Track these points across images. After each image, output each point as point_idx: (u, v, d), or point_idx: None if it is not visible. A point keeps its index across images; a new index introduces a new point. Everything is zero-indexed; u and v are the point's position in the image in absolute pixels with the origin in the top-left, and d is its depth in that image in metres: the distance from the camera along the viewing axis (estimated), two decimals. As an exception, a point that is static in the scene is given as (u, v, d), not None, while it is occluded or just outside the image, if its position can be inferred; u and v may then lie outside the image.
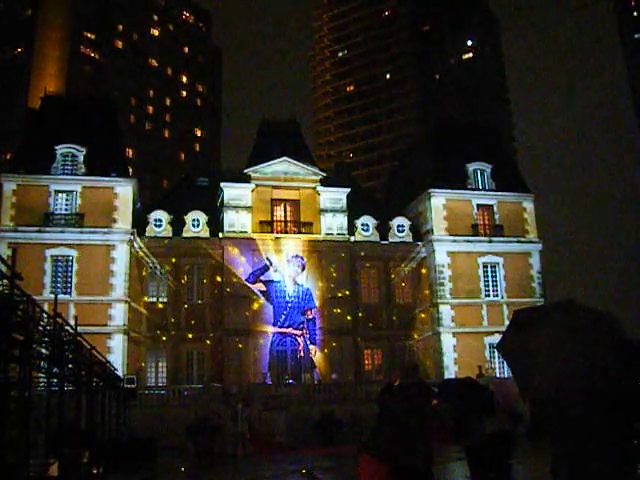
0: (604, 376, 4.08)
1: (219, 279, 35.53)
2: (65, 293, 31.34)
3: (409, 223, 38.85)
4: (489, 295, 37.14)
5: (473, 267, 37.17)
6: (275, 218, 36.73)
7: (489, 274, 37.49)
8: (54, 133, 34.39)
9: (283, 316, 35.23)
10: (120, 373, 25.46)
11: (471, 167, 39.10)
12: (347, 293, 36.24)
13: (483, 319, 36.38)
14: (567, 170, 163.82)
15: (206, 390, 30.72)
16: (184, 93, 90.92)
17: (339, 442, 25.80)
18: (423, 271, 38.05)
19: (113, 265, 33.12)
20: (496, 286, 37.41)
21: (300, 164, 37.21)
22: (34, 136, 35.27)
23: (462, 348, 35.59)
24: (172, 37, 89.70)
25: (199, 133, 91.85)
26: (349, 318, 36.10)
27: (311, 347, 35.36)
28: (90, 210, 33.48)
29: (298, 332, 35.33)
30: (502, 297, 37.05)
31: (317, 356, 35.33)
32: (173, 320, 35.24)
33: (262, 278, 35.37)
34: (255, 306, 35.05)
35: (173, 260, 35.60)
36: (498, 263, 37.58)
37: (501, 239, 37.85)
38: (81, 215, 33.37)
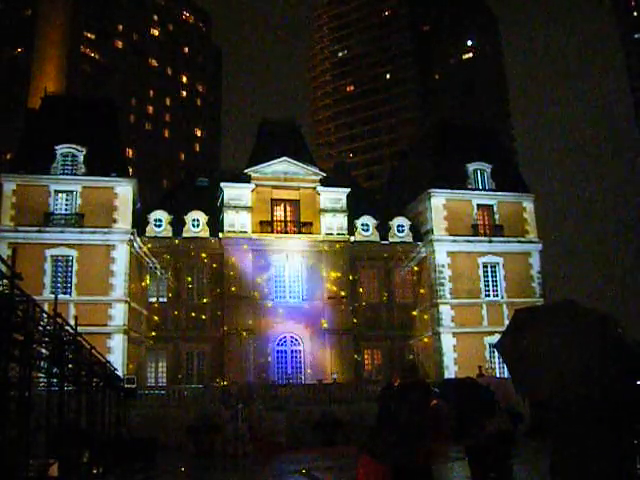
0: (603, 377, 4.08)
1: (219, 279, 35.52)
2: (65, 293, 31.33)
3: (409, 223, 38.86)
4: (489, 295, 37.13)
5: (473, 267, 37.17)
6: (275, 218, 36.72)
7: (489, 274, 37.48)
8: (54, 133, 34.38)
9: (283, 315, 35.21)
10: (120, 373, 25.45)
11: (471, 167, 39.10)
12: (347, 293, 36.23)
13: (483, 319, 36.38)
14: (567, 170, 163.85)
15: (206, 390, 30.72)
16: (184, 93, 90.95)
17: (339, 442, 25.81)
18: (423, 271, 38.04)
19: (113, 265, 33.10)
20: (496, 286, 37.41)
21: (300, 164, 37.22)
22: (34, 136, 35.26)
23: (462, 348, 35.58)
24: (172, 37, 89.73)
25: (199, 133, 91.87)
26: (349, 318, 36.10)
27: (312, 347, 35.36)
28: (90, 210, 33.47)
29: (299, 332, 35.34)
30: (502, 297, 37.04)
31: (317, 356, 35.31)
32: (173, 320, 35.24)
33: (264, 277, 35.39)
34: (255, 306, 35.02)
35: (173, 260, 35.59)
36: (498, 263, 37.58)
37: (501, 239, 37.85)
38: (81, 215, 33.36)
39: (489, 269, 37.54)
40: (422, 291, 37.96)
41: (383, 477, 5.59)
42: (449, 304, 36.34)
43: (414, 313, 38.00)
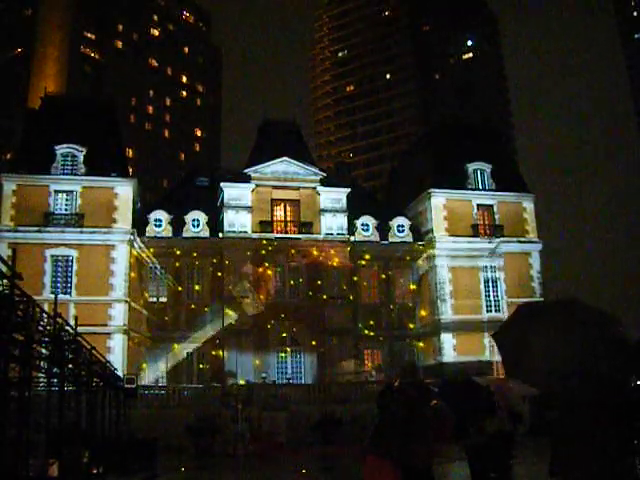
0: (602, 374, 4.08)
1: (219, 279, 35.50)
2: (65, 293, 31.32)
3: (409, 223, 38.83)
4: (489, 295, 37.13)
5: (473, 267, 37.14)
6: (275, 218, 36.71)
7: (489, 274, 37.48)
8: (54, 133, 34.38)
9: (284, 315, 35.22)
10: (120, 373, 25.44)
11: (471, 167, 39.10)
12: (347, 293, 36.20)
13: (483, 319, 36.36)
14: (567, 170, 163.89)
15: (206, 390, 30.70)
16: (184, 93, 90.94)
17: (339, 442, 25.80)
18: (423, 271, 38.00)
19: (113, 265, 33.11)
20: (496, 286, 37.41)
21: (300, 164, 37.21)
22: (34, 136, 35.24)
23: (462, 348, 35.56)
24: (172, 37, 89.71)
25: (199, 133, 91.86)
26: (349, 318, 36.06)
27: (312, 347, 35.34)
28: (90, 210, 33.47)
29: (299, 332, 35.34)
30: (502, 297, 37.03)
31: (317, 356, 35.30)
32: (173, 320, 35.22)
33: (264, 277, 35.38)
34: (255, 306, 35.00)
35: (173, 260, 35.58)
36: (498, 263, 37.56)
37: (501, 239, 37.83)
38: (81, 215, 33.36)
39: (489, 269, 37.53)
40: (422, 291, 37.93)
41: (391, 475, 5.59)
42: (449, 304, 36.32)
43: (414, 313, 37.96)
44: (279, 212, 36.89)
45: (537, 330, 4.38)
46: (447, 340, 35.89)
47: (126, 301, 32.96)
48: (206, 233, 36.22)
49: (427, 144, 43.11)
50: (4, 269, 7.46)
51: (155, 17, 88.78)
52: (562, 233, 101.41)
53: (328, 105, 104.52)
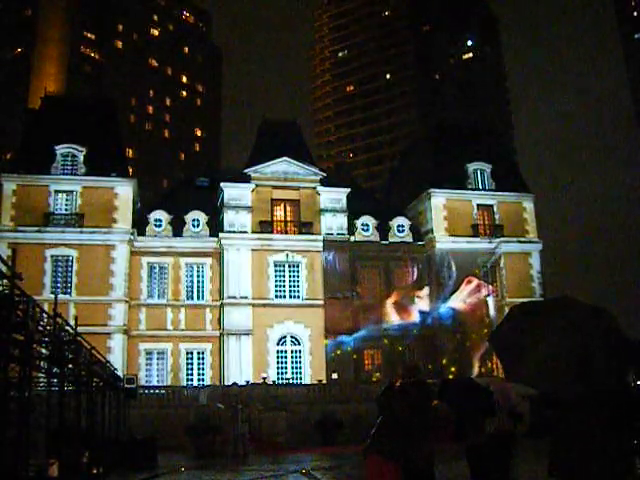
0: (598, 369, 4.08)
1: (219, 279, 35.51)
2: (65, 293, 31.35)
3: (409, 223, 38.84)
4: (489, 295, 37.12)
5: (473, 267, 37.13)
6: (275, 218, 36.72)
7: (489, 274, 37.48)
8: (54, 133, 34.41)
9: (283, 316, 35.21)
10: (120, 373, 25.43)
11: (471, 167, 39.12)
12: (347, 293, 36.19)
13: (483, 318, 36.33)
14: (567, 170, 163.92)
15: (206, 390, 30.66)
16: (184, 93, 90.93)
17: (339, 442, 25.81)
18: (423, 271, 37.99)
19: (113, 265, 33.13)
20: (496, 286, 37.40)
21: (300, 164, 37.22)
22: (34, 136, 35.28)
23: (463, 348, 35.55)
24: (172, 37, 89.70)
25: (199, 133, 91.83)
26: (349, 318, 36.03)
27: (312, 347, 35.32)
28: (90, 210, 33.50)
29: (299, 332, 35.33)
30: (502, 297, 37.04)
31: (317, 356, 35.27)
32: (173, 320, 35.20)
33: (264, 277, 35.38)
34: (255, 306, 35.01)
35: (173, 260, 35.57)
36: (498, 263, 37.56)
37: (501, 239, 37.85)
38: (81, 215, 33.39)
39: (489, 269, 37.54)
40: (422, 291, 37.89)
41: (393, 474, 5.59)
42: (449, 304, 36.31)
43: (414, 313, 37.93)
44: (279, 212, 36.90)
45: (533, 331, 4.37)
46: (447, 339, 35.86)
47: (126, 301, 32.96)
48: (206, 233, 36.23)
49: (427, 144, 43.13)
50: (4, 269, 7.46)
51: (155, 17, 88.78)
52: (562, 233, 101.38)
53: (328, 105, 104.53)
